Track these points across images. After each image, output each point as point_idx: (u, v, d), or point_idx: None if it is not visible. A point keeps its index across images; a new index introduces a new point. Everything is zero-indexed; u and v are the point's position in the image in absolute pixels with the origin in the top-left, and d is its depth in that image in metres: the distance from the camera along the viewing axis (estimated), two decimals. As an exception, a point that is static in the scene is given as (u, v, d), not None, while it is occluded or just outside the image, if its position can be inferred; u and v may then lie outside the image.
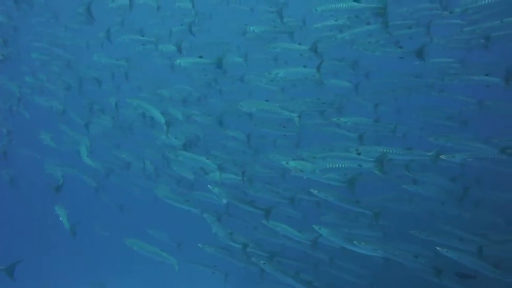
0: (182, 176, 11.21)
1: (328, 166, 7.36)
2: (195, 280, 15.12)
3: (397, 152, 7.46)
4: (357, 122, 9.19)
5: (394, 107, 13.13)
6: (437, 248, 7.83)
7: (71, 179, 14.49)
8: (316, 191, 7.96)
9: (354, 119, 9.21)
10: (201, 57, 9.23)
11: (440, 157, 7.28)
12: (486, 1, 7.42)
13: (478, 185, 10.69)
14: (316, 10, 8.52)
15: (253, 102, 8.92)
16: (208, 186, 9.39)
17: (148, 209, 16.82)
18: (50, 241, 18.47)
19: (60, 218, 10.81)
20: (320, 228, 8.14)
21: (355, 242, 7.80)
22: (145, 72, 15.09)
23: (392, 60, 10.00)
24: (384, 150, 7.36)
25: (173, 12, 14.21)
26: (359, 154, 7.31)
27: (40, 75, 14.32)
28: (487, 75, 8.43)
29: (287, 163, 7.86)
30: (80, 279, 17.28)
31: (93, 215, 17.21)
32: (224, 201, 9.08)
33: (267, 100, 8.60)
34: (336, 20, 9.67)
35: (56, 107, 12.73)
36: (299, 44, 8.99)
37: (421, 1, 12.31)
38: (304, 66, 8.60)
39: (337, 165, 7.33)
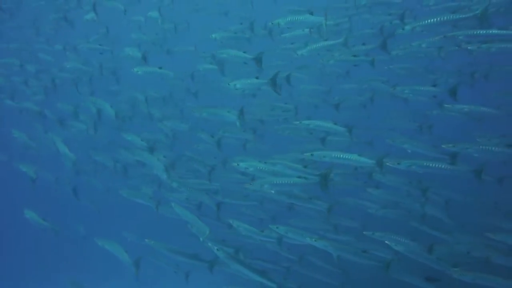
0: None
1: (274, 182, 7.66)
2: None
3: (348, 157, 7.78)
4: (318, 124, 9.43)
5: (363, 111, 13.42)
6: (386, 242, 8.14)
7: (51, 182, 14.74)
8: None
9: (316, 122, 9.45)
10: (160, 68, 9.54)
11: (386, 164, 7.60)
12: (430, 21, 8.06)
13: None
14: (271, 23, 8.93)
15: (204, 107, 9.30)
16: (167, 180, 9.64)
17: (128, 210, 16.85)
18: (34, 244, 18.45)
19: (33, 220, 11.02)
20: (277, 227, 8.42)
21: (307, 237, 8.10)
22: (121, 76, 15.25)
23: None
24: (335, 155, 7.68)
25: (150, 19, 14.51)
26: (305, 166, 7.62)
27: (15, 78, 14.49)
28: (434, 85, 8.79)
29: (237, 164, 8.06)
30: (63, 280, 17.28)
31: (77, 217, 17.37)
32: (184, 193, 9.24)
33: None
34: (303, 30, 10.03)
35: (31, 108, 12.90)
36: (244, 52, 9.30)
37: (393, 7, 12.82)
38: (257, 77, 8.91)
39: (283, 181, 7.63)
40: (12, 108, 13.46)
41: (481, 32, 7.29)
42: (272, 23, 9.01)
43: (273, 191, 7.75)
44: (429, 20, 8.04)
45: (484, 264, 8.43)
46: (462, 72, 12.25)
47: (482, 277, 6.76)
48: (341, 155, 7.80)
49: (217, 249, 7.86)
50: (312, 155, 7.95)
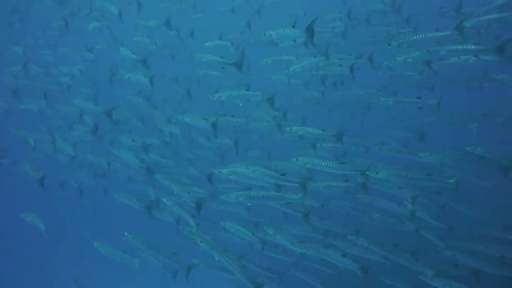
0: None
1: (251, 195, 8.04)
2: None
3: (331, 165, 8.01)
4: (307, 131, 9.68)
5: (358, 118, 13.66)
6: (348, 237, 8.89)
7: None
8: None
9: (305, 129, 9.72)
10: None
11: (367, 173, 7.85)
12: (415, 37, 8.88)
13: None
14: (264, 34, 9.33)
15: (187, 114, 10.10)
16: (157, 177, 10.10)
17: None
18: (34, 246, 18.80)
19: (32, 222, 11.48)
20: (268, 228, 8.73)
21: (288, 241, 8.44)
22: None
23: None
24: (318, 162, 7.93)
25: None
26: (283, 174, 7.87)
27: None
28: (419, 97, 9.09)
29: (219, 171, 8.32)
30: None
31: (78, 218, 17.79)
32: (174, 190, 9.59)
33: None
34: (294, 41, 10.42)
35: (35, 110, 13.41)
36: (221, 57, 9.81)
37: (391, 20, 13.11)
38: (247, 90, 9.52)
39: (259, 195, 8.03)
40: (17, 110, 13.93)
41: (458, 47, 8.04)
42: (265, 35, 9.39)
43: (249, 204, 8.07)
44: (415, 37, 8.78)
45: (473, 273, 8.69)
46: (460, 78, 12.55)
47: (451, 284, 6.92)
48: (323, 163, 8.02)
49: (201, 241, 8.06)
50: (297, 160, 8.22)
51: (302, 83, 13.56)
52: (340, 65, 9.79)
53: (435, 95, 10.13)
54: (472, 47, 7.95)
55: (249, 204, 8.12)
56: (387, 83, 12.93)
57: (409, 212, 9.78)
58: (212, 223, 11.44)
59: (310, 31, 8.68)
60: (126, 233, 10.08)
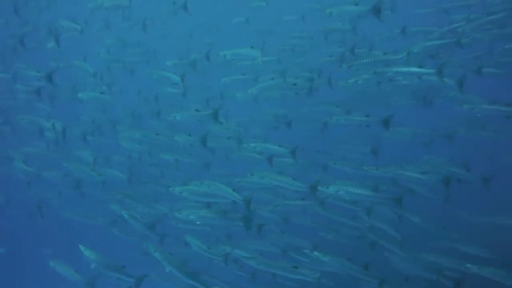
0: None
1: (200, 214, 8.26)
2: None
3: (283, 180, 8.31)
4: (264, 147, 9.91)
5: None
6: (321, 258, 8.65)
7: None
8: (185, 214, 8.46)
9: (262, 145, 9.94)
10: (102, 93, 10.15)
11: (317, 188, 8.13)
12: (366, 60, 9.37)
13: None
14: (218, 54, 9.63)
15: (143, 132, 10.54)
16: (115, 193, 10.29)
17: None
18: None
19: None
20: (224, 245, 8.92)
21: (247, 255, 8.67)
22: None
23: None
24: (273, 177, 8.19)
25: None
26: (233, 190, 8.03)
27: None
28: (367, 116, 9.53)
29: (173, 189, 8.43)
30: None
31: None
32: (125, 215, 9.68)
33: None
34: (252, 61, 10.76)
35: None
36: (174, 73, 10.39)
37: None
38: (197, 110, 9.77)
39: (207, 214, 8.29)
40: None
41: (403, 69, 8.56)
42: (219, 55, 9.69)
43: (198, 222, 8.24)
44: (365, 60, 9.28)
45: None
46: (416, 94, 13.12)
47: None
48: (277, 177, 8.31)
49: (155, 251, 8.14)
50: (252, 175, 8.46)
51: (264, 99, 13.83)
52: (295, 84, 10.09)
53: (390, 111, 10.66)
54: (415, 70, 8.47)
55: (198, 223, 8.25)
56: (347, 99, 13.42)
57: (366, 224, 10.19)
58: (174, 239, 11.47)
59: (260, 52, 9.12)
60: (80, 245, 9.94)
